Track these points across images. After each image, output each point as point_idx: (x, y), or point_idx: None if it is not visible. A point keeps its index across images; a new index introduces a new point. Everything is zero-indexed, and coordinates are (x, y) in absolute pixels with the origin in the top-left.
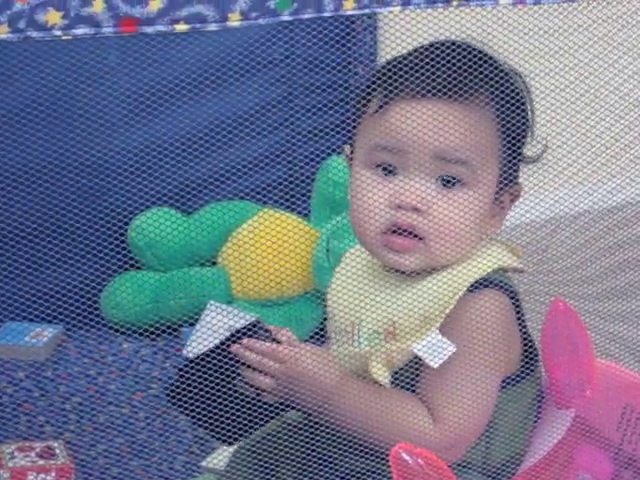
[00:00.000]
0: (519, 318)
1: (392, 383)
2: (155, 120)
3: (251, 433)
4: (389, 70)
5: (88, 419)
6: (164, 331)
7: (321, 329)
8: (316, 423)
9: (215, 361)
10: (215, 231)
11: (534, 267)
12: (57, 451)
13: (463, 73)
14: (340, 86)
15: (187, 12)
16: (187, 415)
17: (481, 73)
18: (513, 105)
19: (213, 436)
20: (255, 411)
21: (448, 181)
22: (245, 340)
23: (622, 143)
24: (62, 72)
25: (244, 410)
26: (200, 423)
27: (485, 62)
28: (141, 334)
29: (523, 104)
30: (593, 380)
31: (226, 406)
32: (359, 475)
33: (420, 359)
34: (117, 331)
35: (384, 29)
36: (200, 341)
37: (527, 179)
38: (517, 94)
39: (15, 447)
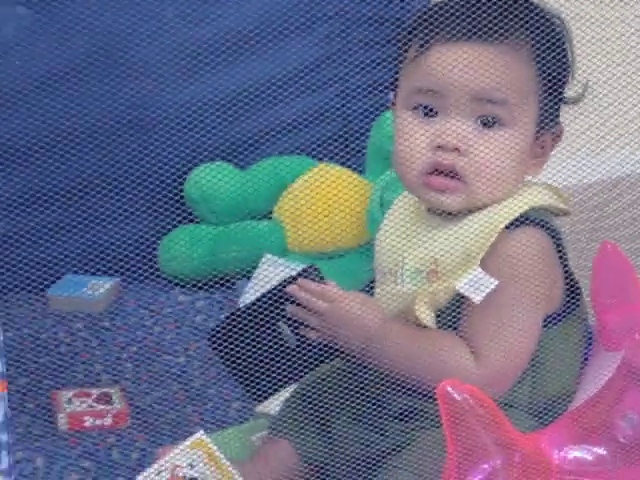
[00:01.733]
0: (561, 257)
1: (436, 323)
2: (210, 74)
3: (282, 389)
4: (428, 14)
5: (144, 368)
6: (220, 283)
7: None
8: (361, 365)
9: (265, 306)
10: (270, 185)
11: (591, 225)
12: (113, 397)
13: (500, 15)
14: (393, 41)
15: None
16: (224, 363)
17: (518, 15)
18: (552, 47)
19: (244, 388)
20: (291, 364)
21: (487, 121)
22: (299, 281)
23: None
24: (117, 27)
25: (282, 362)
26: (235, 372)
27: (523, 5)
28: (197, 286)
29: (562, 46)
30: None
31: (264, 357)
32: (408, 414)
33: (462, 297)
34: (173, 283)
35: None
36: (255, 293)
37: (585, 138)
38: (556, 36)
39: (73, 393)
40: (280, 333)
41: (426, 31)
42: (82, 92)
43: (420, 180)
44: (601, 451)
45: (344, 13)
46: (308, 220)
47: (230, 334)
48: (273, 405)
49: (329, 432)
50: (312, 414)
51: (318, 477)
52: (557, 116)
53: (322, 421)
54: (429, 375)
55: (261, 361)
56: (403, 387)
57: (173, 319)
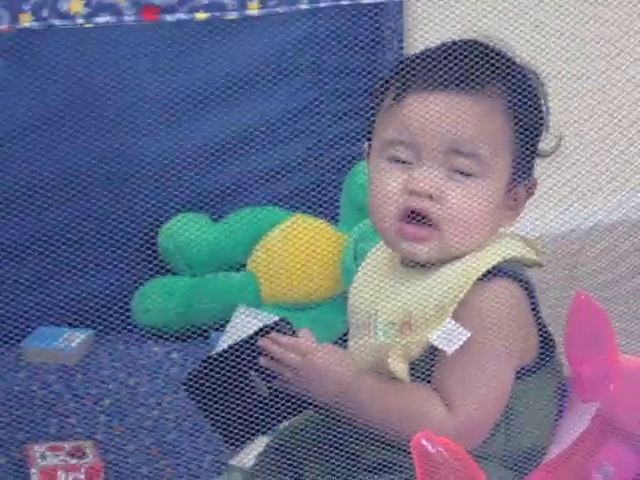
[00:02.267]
0: (534, 309)
1: (410, 375)
2: (185, 126)
3: (255, 437)
4: (404, 64)
5: (118, 420)
6: (194, 335)
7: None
8: (334, 417)
9: (237, 355)
10: (244, 236)
11: (566, 274)
12: (87, 451)
13: (475, 66)
14: (368, 92)
15: (207, 1)
16: (199, 408)
17: (493, 67)
18: (526, 99)
19: (219, 433)
20: (264, 413)
21: (461, 172)
22: (271, 334)
23: None
24: (92, 79)
25: (255, 410)
26: (209, 417)
27: (498, 57)
28: (171, 337)
29: (536, 99)
30: (617, 374)
31: (238, 404)
32: (382, 467)
33: (436, 349)
34: (147, 335)
35: (410, 34)
36: (229, 343)
37: (560, 187)
38: (530, 89)
39: (46, 447)
40: (252, 382)
41: (402, 80)
42: (56, 144)
43: (393, 228)
44: None
45: (319, 64)
46: (282, 271)
47: (204, 380)
48: (247, 459)
49: None
50: (286, 467)
51: None
52: (530, 169)
53: (296, 475)
54: (403, 428)
55: (234, 408)
56: (377, 439)
57: (147, 371)
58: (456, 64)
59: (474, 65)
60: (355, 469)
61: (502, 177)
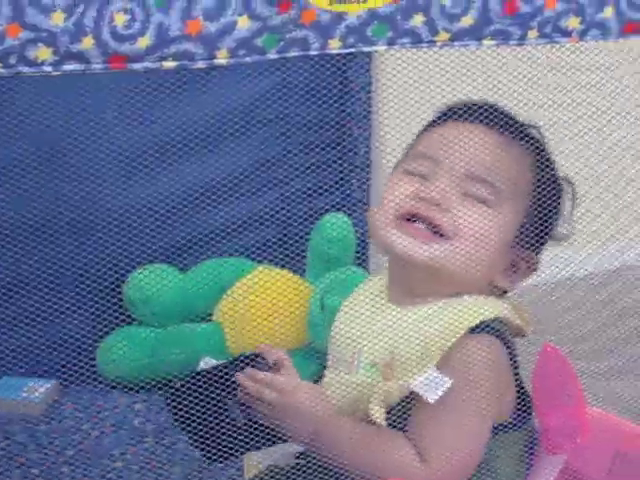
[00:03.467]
0: (514, 368)
1: (386, 418)
2: (152, 176)
3: (239, 455)
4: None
5: (81, 472)
6: (159, 386)
7: (316, 383)
8: (310, 456)
9: (215, 380)
10: (210, 287)
11: (534, 327)
12: None
13: (512, 118)
14: (336, 145)
15: (175, 49)
16: (178, 422)
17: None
18: (550, 175)
19: (197, 447)
20: (241, 438)
21: (474, 197)
22: (247, 370)
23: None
24: (59, 127)
25: (231, 433)
26: (188, 432)
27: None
28: (135, 388)
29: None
30: (584, 427)
31: (216, 425)
32: None
33: (415, 394)
34: (112, 386)
35: (378, 86)
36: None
37: None
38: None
39: None
40: (229, 409)
41: (447, 110)
42: (21, 191)
43: (393, 224)
44: None
45: (283, 117)
46: (247, 322)
47: (183, 396)
48: None
49: None
50: None
51: None
52: (538, 242)
53: None
54: (374, 473)
55: (212, 428)
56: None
57: (111, 422)
58: (497, 109)
59: (511, 116)
60: None
61: (511, 221)
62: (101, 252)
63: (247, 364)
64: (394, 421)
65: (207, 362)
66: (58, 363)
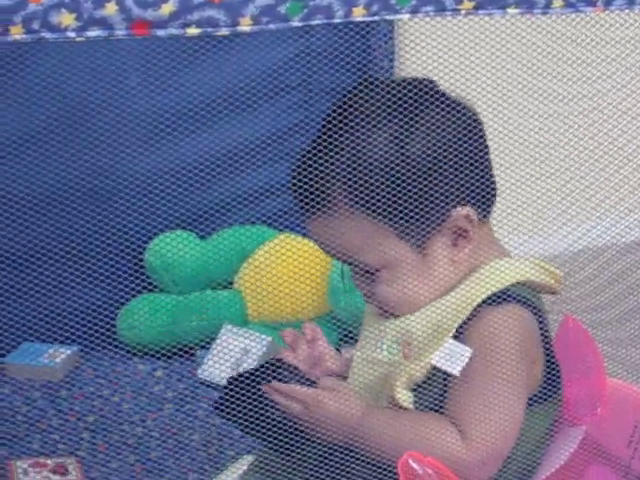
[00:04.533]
0: (544, 337)
1: (414, 397)
2: (173, 143)
3: (299, 443)
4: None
5: (101, 438)
6: (179, 353)
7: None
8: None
9: (249, 382)
10: (231, 255)
11: (553, 297)
12: (70, 468)
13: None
14: None
15: (199, 16)
16: (239, 427)
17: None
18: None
19: (267, 444)
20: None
21: (369, 274)
22: (273, 382)
23: None
24: (82, 93)
25: (283, 428)
26: (249, 432)
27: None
28: (156, 355)
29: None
30: (604, 398)
31: (267, 422)
32: None
33: (439, 370)
34: (132, 353)
35: (402, 54)
36: (214, 362)
37: (547, 212)
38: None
39: (28, 464)
40: (268, 410)
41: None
42: (44, 158)
43: None
44: None
45: (307, 84)
46: (268, 291)
47: (232, 404)
48: (231, 478)
49: None
50: None
51: None
52: (443, 209)
53: None
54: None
55: (266, 422)
56: (365, 457)
57: (131, 389)
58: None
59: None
60: None
61: (405, 256)
62: (123, 219)
63: (273, 371)
64: (422, 399)
65: (229, 329)
66: (79, 330)
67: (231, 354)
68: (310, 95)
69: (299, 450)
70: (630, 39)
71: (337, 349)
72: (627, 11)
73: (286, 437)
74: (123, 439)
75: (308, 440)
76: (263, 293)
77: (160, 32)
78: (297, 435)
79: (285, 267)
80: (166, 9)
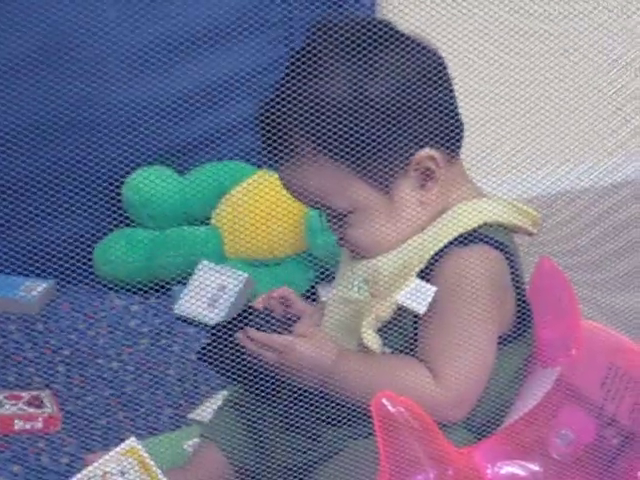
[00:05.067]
0: (514, 277)
1: (381, 336)
2: (151, 78)
3: (280, 390)
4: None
5: (77, 371)
6: (155, 288)
7: (311, 291)
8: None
9: (229, 333)
10: (209, 191)
11: (529, 240)
12: (45, 401)
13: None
14: None
15: None
16: (220, 374)
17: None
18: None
19: (250, 392)
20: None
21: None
22: (247, 330)
23: (621, 116)
24: (60, 25)
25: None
26: (233, 379)
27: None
28: (132, 290)
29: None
30: (578, 339)
31: (245, 370)
32: (343, 420)
33: (405, 310)
34: (109, 287)
35: None
36: (190, 298)
37: (524, 154)
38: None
39: (3, 395)
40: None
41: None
42: (22, 89)
43: None
44: (535, 467)
45: (289, 19)
46: (246, 227)
47: (215, 352)
48: (206, 412)
49: (261, 439)
50: (244, 421)
51: None
52: (406, 151)
53: (254, 429)
54: None
55: (249, 368)
56: (339, 399)
57: (107, 323)
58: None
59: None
60: (313, 423)
61: (372, 199)
62: (101, 153)
63: (246, 318)
64: (389, 337)
65: (205, 264)
66: (55, 263)
67: (207, 289)
68: (291, 31)
69: (276, 396)
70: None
71: (313, 286)
72: None
73: (263, 383)
74: (98, 373)
75: (284, 384)
76: (240, 229)
77: None
78: (274, 381)
79: (263, 204)
80: None
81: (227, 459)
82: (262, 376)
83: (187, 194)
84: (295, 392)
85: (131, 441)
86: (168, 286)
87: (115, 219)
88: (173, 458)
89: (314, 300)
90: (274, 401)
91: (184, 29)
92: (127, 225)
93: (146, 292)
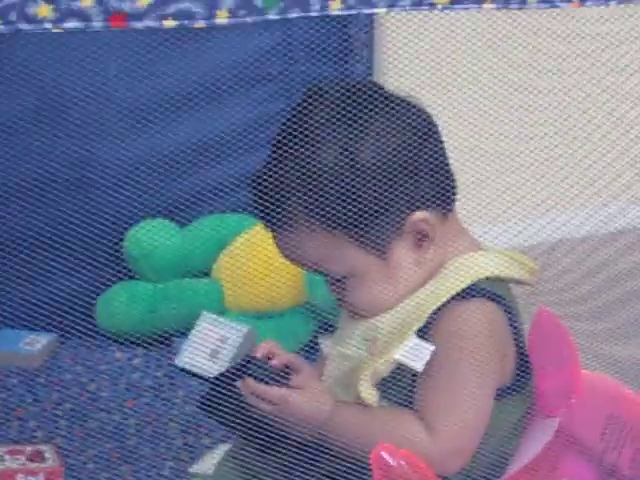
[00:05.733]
0: (514, 330)
1: (380, 392)
2: (152, 132)
3: (280, 443)
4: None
5: (79, 425)
6: (157, 341)
7: (313, 342)
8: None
9: (229, 383)
10: (210, 243)
11: (529, 289)
12: (47, 455)
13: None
14: None
15: (175, 8)
16: (222, 424)
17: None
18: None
19: (250, 442)
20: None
21: (338, 281)
22: (247, 379)
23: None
24: (60, 84)
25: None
26: (234, 430)
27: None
28: (134, 343)
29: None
30: (578, 389)
31: (245, 420)
32: (340, 477)
33: (404, 366)
34: (111, 340)
35: (381, 44)
36: (192, 350)
37: (526, 202)
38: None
39: (5, 450)
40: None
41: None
42: (21, 147)
43: None
44: None
45: (287, 73)
46: (246, 279)
47: (216, 402)
48: (207, 466)
49: None
50: (245, 475)
51: None
52: (399, 216)
53: None
54: None
55: (250, 420)
56: (339, 451)
57: (109, 376)
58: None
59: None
60: (314, 475)
61: (368, 264)
62: (102, 208)
63: (244, 367)
64: (387, 393)
65: (207, 317)
66: (57, 317)
67: (208, 342)
68: (290, 85)
69: (276, 446)
70: (605, 34)
71: (315, 337)
72: (602, 7)
73: (263, 433)
74: (100, 427)
75: (284, 437)
76: (241, 282)
77: (137, 24)
78: (273, 432)
79: (263, 256)
80: (143, 1)
81: None
82: (262, 425)
83: (187, 247)
84: (294, 444)
85: None
86: (170, 339)
87: (117, 272)
88: None
89: (315, 350)
90: (274, 451)
91: (183, 85)
92: (128, 278)
93: (148, 345)
